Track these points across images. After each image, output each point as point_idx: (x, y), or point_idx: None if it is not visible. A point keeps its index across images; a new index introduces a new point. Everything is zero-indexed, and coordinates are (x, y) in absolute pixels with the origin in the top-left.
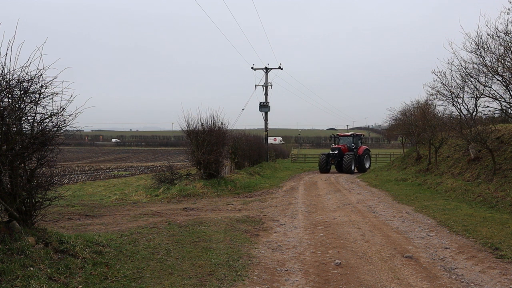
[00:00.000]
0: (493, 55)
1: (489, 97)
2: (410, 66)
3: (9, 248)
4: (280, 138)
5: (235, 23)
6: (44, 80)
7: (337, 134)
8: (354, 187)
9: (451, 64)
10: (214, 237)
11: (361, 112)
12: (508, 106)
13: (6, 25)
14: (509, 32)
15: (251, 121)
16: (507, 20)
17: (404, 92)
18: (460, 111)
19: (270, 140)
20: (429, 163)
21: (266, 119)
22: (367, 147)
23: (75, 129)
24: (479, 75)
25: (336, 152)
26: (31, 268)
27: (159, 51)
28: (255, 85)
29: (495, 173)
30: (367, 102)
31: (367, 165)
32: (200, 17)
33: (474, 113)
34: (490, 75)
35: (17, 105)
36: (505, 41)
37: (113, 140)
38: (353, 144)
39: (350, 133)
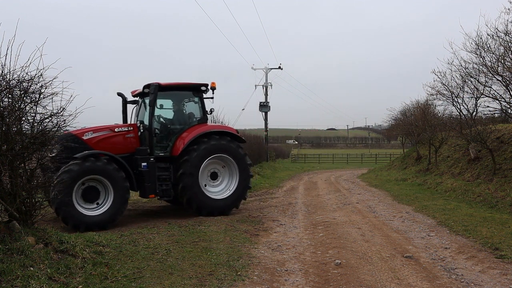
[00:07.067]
0: (493, 55)
1: (489, 97)
2: (410, 66)
3: (9, 248)
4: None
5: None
6: (44, 80)
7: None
8: (354, 187)
9: (451, 64)
10: (214, 237)
11: (361, 112)
12: (508, 106)
13: (6, 25)
14: (509, 32)
15: (251, 121)
16: (507, 20)
17: (404, 92)
18: (460, 111)
19: None
20: (429, 163)
21: (266, 119)
22: (233, 129)
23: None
24: (479, 75)
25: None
26: (31, 268)
27: (160, 51)
28: (255, 85)
29: (495, 173)
30: (367, 102)
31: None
32: (201, 17)
33: (474, 113)
34: (490, 75)
35: (17, 105)
36: (505, 41)
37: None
38: (163, 120)
39: (152, 83)
